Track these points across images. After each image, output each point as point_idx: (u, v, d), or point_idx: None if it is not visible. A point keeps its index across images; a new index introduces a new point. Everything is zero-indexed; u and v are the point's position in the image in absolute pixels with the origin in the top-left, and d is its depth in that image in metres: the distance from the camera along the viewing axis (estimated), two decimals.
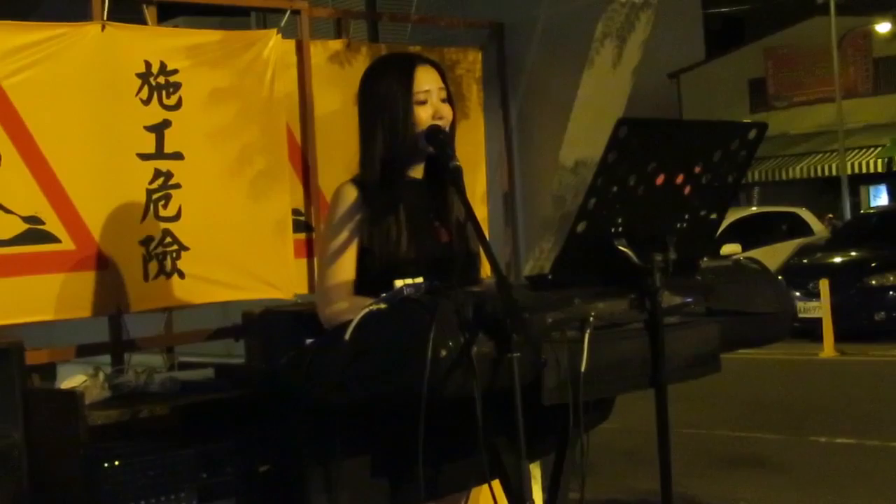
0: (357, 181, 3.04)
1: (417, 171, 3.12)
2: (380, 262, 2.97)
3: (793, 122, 29.63)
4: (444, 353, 2.44)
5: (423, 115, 3.03)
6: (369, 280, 2.95)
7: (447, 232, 3.09)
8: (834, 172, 28.42)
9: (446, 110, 3.07)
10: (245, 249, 4.49)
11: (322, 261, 3.08)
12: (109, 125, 4.12)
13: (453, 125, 3.09)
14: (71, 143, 4.02)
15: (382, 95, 3.05)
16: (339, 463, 2.88)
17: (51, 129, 3.97)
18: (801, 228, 18.92)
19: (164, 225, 4.24)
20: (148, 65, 4.22)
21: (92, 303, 4.06)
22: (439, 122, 3.02)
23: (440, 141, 2.98)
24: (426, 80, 3.06)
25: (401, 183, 3.04)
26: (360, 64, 4.74)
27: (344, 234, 3.00)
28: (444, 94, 3.08)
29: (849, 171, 27.83)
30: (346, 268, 2.98)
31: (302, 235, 4.79)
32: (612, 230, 2.72)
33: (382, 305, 2.62)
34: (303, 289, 4.77)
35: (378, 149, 3.03)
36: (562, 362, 2.57)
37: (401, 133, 3.02)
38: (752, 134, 2.84)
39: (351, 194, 3.02)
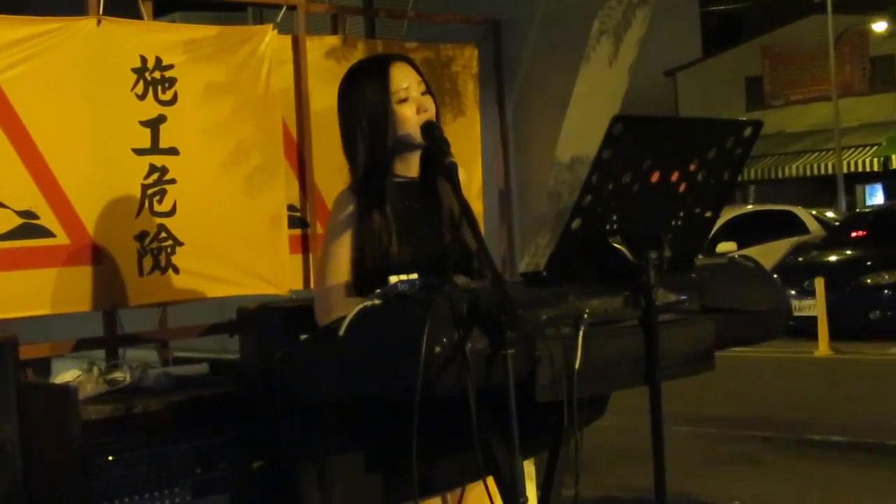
0: (353, 188, 3.06)
1: (412, 170, 3.11)
2: (374, 266, 2.97)
3: (789, 120, 29.68)
4: (438, 349, 2.43)
5: (408, 112, 3.02)
6: (365, 282, 2.96)
7: (443, 229, 3.09)
8: (830, 171, 28.47)
9: (429, 103, 3.06)
10: (240, 245, 4.49)
11: (319, 268, 3.10)
12: (104, 120, 4.11)
13: (437, 117, 3.09)
14: (66, 138, 4.02)
15: (360, 101, 3.04)
16: (333, 459, 2.88)
17: (46, 123, 3.96)
18: (797, 227, 18.93)
19: (158, 220, 4.24)
20: (143, 59, 4.21)
21: (86, 298, 4.06)
22: (424, 116, 3.02)
23: (435, 137, 2.97)
24: (403, 78, 3.05)
25: (389, 184, 3.05)
26: (357, 60, 4.73)
27: (339, 240, 3.01)
28: (423, 88, 3.07)
29: (845, 170, 27.88)
30: (341, 271, 2.99)
31: (297, 231, 4.79)
32: (607, 227, 2.72)
33: (377, 301, 2.62)
34: (298, 285, 4.77)
35: (361, 155, 3.03)
36: (556, 359, 2.57)
37: (382, 135, 3.02)
38: (748, 132, 2.84)
39: (346, 202, 3.03)
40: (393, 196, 3.04)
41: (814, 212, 20.15)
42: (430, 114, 3.04)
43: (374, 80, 3.04)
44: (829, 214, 21.89)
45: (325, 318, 2.90)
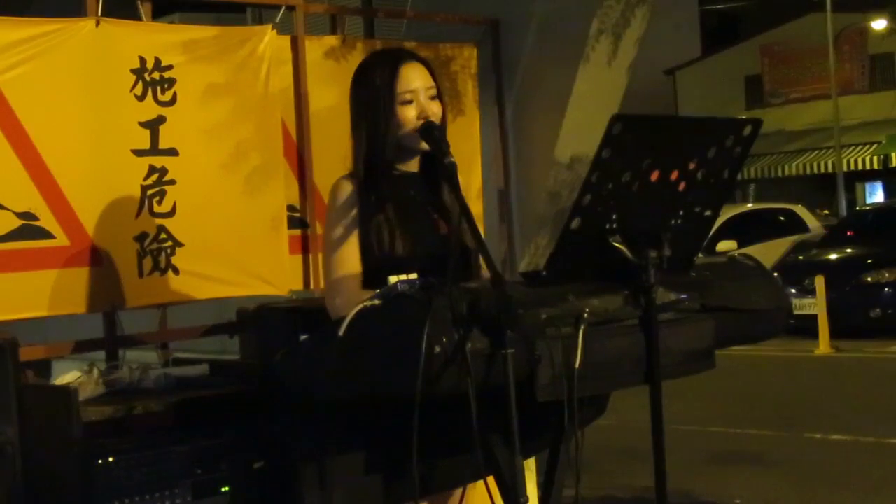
0: (352, 176, 3.06)
1: (412, 166, 3.12)
2: (375, 259, 2.98)
3: (789, 118, 29.67)
4: (438, 349, 2.44)
5: (409, 115, 3.02)
6: (367, 276, 2.96)
7: (445, 224, 3.09)
8: (830, 169, 28.47)
9: (435, 108, 3.05)
10: (240, 246, 4.48)
11: (325, 256, 3.09)
12: (104, 121, 4.11)
13: (444, 121, 3.08)
14: (65, 139, 4.01)
15: (366, 96, 3.05)
16: (333, 459, 2.88)
17: (45, 125, 3.96)
18: (797, 225, 18.93)
19: (158, 221, 4.24)
20: (143, 60, 4.21)
21: (86, 299, 4.06)
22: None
23: (435, 137, 2.97)
24: (412, 79, 3.04)
25: (389, 180, 3.05)
26: (356, 60, 4.72)
27: (344, 228, 3.01)
28: (432, 92, 3.06)
29: (845, 168, 27.87)
30: (350, 260, 2.99)
31: (297, 231, 4.78)
32: (607, 226, 2.72)
33: (377, 301, 2.62)
34: (298, 285, 4.76)
35: (362, 149, 3.04)
36: (556, 358, 2.57)
37: (382, 133, 3.02)
38: (747, 130, 2.84)
39: (346, 188, 3.04)
40: (392, 188, 3.04)
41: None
42: (434, 118, 3.03)
43: (383, 77, 3.04)
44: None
45: (343, 309, 2.86)
